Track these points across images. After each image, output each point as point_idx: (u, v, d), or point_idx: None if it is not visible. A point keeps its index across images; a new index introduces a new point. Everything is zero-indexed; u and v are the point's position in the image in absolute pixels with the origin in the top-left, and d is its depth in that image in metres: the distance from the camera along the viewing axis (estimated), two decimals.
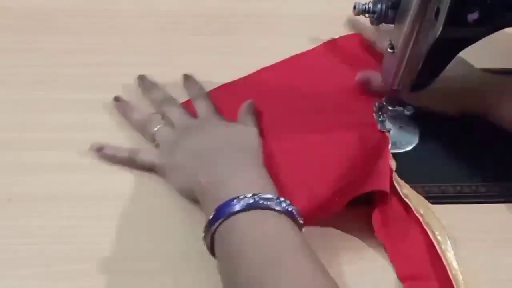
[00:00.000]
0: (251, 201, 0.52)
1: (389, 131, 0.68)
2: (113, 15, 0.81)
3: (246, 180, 0.56)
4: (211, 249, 0.54)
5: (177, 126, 0.65)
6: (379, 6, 0.57)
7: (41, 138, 0.67)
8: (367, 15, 0.58)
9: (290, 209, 0.53)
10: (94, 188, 0.63)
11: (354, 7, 0.58)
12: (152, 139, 0.65)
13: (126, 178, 0.64)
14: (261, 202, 0.52)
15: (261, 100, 0.70)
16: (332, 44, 0.80)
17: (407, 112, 0.68)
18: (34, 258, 0.57)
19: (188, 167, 0.60)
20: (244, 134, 0.63)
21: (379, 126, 0.68)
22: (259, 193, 0.52)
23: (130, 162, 0.64)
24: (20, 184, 0.63)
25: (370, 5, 0.58)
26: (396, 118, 0.69)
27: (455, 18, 0.53)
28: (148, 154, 0.64)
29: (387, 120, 0.69)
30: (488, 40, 0.58)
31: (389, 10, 0.57)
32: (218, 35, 0.81)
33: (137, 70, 0.74)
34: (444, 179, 0.64)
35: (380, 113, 0.68)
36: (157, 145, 0.65)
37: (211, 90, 0.72)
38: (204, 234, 0.54)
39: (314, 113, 0.70)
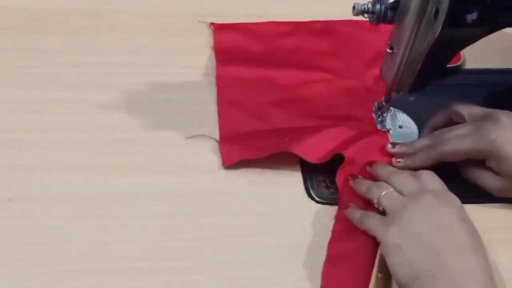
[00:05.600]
0: None
1: (388, 131, 0.68)
2: (113, 15, 0.81)
3: None
4: None
5: (406, 192, 0.57)
6: (378, 6, 0.57)
7: (41, 138, 0.67)
8: (366, 15, 0.58)
9: None
10: (94, 188, 0.63)
11: (354, 8, 0.59)
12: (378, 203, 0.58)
13: (125, 179, 0.64)
14: None
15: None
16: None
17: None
18: (34, 258, 0.57)
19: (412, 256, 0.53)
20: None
21: (378, 126, 0.68)
22: None
23: (359, 223, 0.58)
24: (20, 184, 0.63)
25: (369, 5, 0.58)
26: (395, 118, 0.69)
27: (454, 18, 0.54)
28: (373, 219, 0.57)
29: (386, 120, 0.69)
30: (488, 40, 0.58)
31: (388, 11, 0.57)
32: None
33: (137, 70, 0.74)
34: (443, 178, 0.64)
35: (379, 112, 0.68)
36: (383, 211, 0.58)
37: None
38: None
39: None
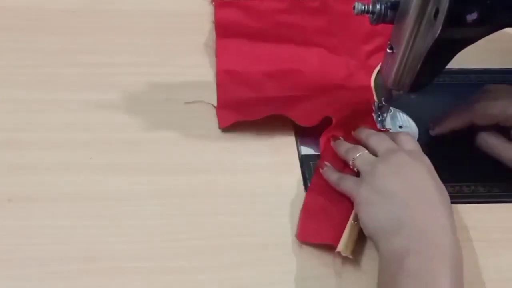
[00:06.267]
0: None
1: (388, 131, 0.68)
2: (112, 15, 0.81)
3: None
4: None
5: (381, 152, 0.60)
6: (378, 6, 0.57)
7: (41, 138, 0.67)
8: (366, 15, 0.58)
9: None
10: (94, 188, 0.63)
11: (354, 7, 0.59)
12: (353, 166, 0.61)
13: (125, 179, 0.64)
14: None
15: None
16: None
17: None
18: (34, 258, 0.57)
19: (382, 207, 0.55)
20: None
21: (378, 126, 0.68)
22: None
23: (336, 185, 0.61)
24: (20, 184, 0.63)
25: (369, 5, 0.58)
26: (395, 118, 0.70)
27: (454, 18, 0.53)
28: (348, 182, 0.60)
29: (386, 120, 0.69)
30: (488, 40, 0.58)
31: (388, 11, 0.57)
32: None
33: (137, 70, 0.74)
34: (443, 178, 0.64)
35: (379, 112, 0.69)
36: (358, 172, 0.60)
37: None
38: None
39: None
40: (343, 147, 0.64)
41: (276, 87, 0.73)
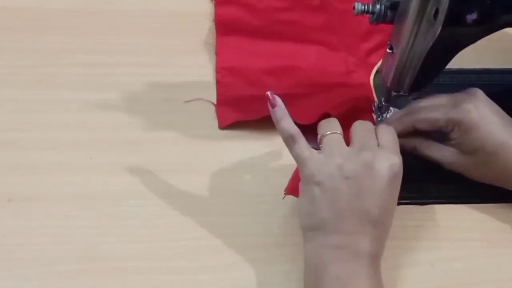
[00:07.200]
0: None
1: None
2: (113, 15, 0.81)
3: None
4: None
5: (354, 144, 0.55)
6: (378, 6, 0.57)
7: (41, 138, 0.67)
8: (366, 15, 0.58)
9: None
10: (94, 188, 0.63)
11: (354, 8, 0.59)
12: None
13: (125, 179, 0.64)
14: None
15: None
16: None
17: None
18: (34, 258, 0.57)
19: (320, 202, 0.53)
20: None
21: None
22: None
23: (286, 143, 0.56)
24: (20, 184, 0.63)
25: (369, 5, 0.58)
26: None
27: (454, 18, 0.53)
28: (303, 149, 0.55)
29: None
30: (488, 40, 0.58)
31: (388, 11, 0.58)
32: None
33: (137, 70, 0.74)
34: (443, 178, 0.64)
35: (379, 113, 0.68)
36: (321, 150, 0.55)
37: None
38: None
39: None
40: (321, 122, 0.57)
41: (276, 84, 0.73)
